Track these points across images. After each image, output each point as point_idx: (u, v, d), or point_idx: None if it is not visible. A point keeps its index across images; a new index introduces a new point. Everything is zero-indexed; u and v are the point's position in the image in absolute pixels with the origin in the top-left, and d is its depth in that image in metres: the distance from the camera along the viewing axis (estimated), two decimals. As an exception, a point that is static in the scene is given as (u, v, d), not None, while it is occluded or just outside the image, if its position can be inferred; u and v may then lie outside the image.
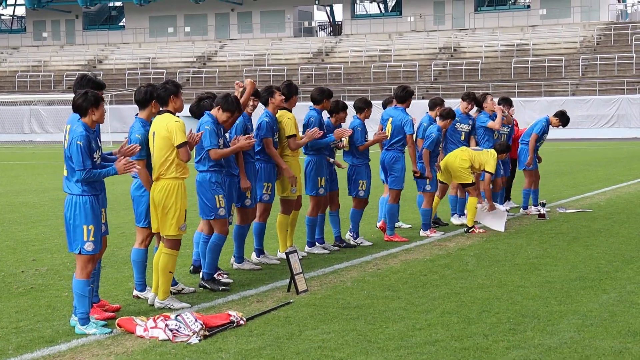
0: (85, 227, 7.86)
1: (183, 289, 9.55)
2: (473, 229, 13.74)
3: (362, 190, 12.66)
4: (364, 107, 12.71)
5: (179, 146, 8.62)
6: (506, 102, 16.31)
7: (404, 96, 13.25)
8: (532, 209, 16.00)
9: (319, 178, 11.83)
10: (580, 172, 25.49)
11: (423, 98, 51.21)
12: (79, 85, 8.40)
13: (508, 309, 8.51)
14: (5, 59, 75.99)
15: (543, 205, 15.38)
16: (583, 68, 58.41)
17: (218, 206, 9.57)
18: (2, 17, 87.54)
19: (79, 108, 7.91)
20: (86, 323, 7.90)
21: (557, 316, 8.21)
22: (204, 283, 9.68)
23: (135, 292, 9.33)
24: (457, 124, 14.83)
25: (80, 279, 7.92)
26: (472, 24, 68.52)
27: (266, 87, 11.30)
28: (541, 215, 15.19)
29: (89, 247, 7.89)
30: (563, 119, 16.29)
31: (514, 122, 16.71)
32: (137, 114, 9.22)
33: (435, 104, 14.28)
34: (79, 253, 7.91)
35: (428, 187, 13.64)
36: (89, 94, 7.90)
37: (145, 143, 8.84)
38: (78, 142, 7.80)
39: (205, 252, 9.86)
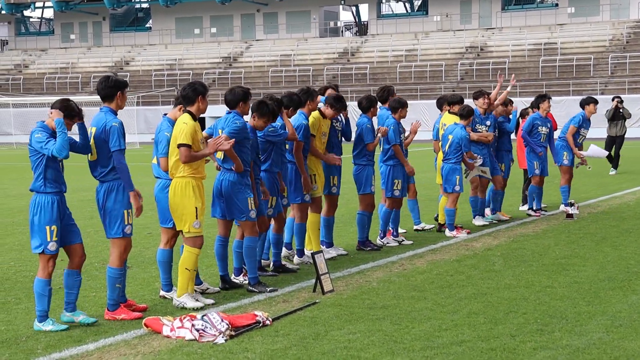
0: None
1: (207, 288, 9.57)
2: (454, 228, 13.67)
3: (397, 189, 12.63)
4: (398, 106, 12.70)
5: (178, 146, 8.68)
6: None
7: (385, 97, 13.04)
8: (562, 207, 15.86)
9: (332, 177, 11.77)
10: (609, 171, 25.27)
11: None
12: (107, 87, 8.45)
13: (535, 310, 8.45)
14: (34, 61, 76.63)
15: (571, 205, 15.25)
16: (612, 67, 57.97)
17: (250, 208, 9.57)
18: (31, 19, 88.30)
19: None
20: (44, 320, 8.04)
21: (586, 317, 8.14)
22: (251, 288, 9.65)
23: (162, 292, 9.37)
24: (476, 125, 14.68)
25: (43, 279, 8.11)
26: (499, 23, 68.19)
27: (306, 89, 11.40)
28: (569, 216, 15.08)
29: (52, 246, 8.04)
30: (591, 100, 16.26)
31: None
32: (165, 114, 9.30)
33: (442, 102, 14.44)
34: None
35: (457, 188, 13.59)
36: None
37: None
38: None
39: (220, 255, 9.84)
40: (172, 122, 9.14)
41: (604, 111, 26.32)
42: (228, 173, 9.54)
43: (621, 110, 25.13)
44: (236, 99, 9.65)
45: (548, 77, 58.67)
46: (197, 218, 8.77)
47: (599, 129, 36.13)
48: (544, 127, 15.59)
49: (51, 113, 8.04)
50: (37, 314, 8.09)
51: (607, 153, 16.30)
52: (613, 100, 25.82)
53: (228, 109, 9.71)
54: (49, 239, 7.99)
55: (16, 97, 64.72)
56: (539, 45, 62.34)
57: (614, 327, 7.74)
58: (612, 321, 7.96)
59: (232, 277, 10.02)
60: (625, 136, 25.82)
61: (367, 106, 12.25)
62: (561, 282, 9.75)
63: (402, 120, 12.81)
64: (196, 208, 8.76)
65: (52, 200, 8.01)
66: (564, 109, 52.39)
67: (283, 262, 10.90)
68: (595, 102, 16.33)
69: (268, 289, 9.57)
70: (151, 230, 14.33)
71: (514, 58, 61.72)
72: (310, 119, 11.23)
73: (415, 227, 14.20)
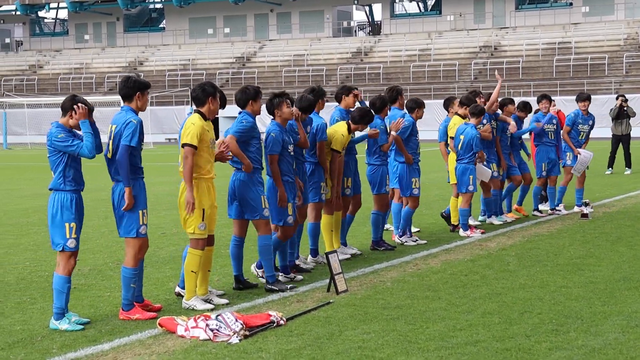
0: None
1: (211, 291, 9.53)
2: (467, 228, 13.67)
3: (416, 188, 12.67)
4: (414, 106, 12.72)
5: (182, 145, 8.70)
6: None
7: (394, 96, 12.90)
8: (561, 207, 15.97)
9: (345, 178, 11.76)
10: (624, 171, 25.17)
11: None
12: (126, 87, 8.46)
13: (550, 310, 8.42)
14: (48, 62, 76.95)
15: (586, 205, 15.20)
16: (627, 66, 57.71)
17: (263, 207, 9.58)
18: (45, 20, 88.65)
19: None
20: (60, 318, 8.06)
21: (601, 317, 8.11)
22: (269, 287, 9.62)
23: (177, 289, 9.39)
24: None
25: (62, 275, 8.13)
26: (513, 22, 68.01)
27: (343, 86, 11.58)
28: (584, 215, 15.02)
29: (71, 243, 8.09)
30: (584, 96, 16.18)
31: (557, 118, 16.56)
32: (189, 112, 9.37)
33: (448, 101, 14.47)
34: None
35: (470, 188, 13.57)
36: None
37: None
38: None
39: (235, 255, 9.83)
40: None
41: (609, 110, 26.30)
42: (239, 173, 9.55)
43: (625, 108, 25.08)
44: (246, 97, 9.65)
45: (562, 76, 58.46)
46: (203, 220, 8.76)
47: (603, 129, 36.05)
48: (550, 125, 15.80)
49: (75, 113, 8.07)
50: (54, 311, 8.12)
51: (590, 157, 16.11)
52: (617, 98, 25.77)
53: (239, 109, 9.72)
54: (68, 236, 8.04)
55: (31, 97, 64.98)
56: (553, 44, 62.12)
57: (629, 328, 7.70)
58: (628, 321, 7.92)
59: (281, 277, 10.04)
60: (632, 135, 25.80)
61: (380, 107, 12.22)
62: (576, 282, 9.72)
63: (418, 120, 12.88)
64: (203, 210, 8.75)
65: (71, 197, 8.08)
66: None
67: (297, 262, 10.89)
68: (588, 98, 16.26)
69: (288, 286, 9.57)
70: (165, 230, 14.35)
71: (527, 57, 61.53)
72: (339, 136, 11.16)
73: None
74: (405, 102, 12.95)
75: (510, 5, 68.78)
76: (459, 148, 13.67)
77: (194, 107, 9.09)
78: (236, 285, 9.77)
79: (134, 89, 8.44)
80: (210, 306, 8.81)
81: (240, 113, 9.68)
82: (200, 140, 8.70)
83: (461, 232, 13.54)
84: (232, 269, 9.89)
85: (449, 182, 14.46)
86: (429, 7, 75.62)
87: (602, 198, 18.19)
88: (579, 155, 16.02)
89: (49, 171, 8.22)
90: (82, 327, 8.07)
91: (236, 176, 9.58)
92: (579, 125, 16.17)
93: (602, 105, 46.62)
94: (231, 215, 9.73)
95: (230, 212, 9.72)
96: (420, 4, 77.06)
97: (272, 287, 9.58)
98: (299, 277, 10.19)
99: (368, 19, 77.94)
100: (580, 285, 9.54)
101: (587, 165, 16.28)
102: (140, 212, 8.35)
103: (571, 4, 67.72)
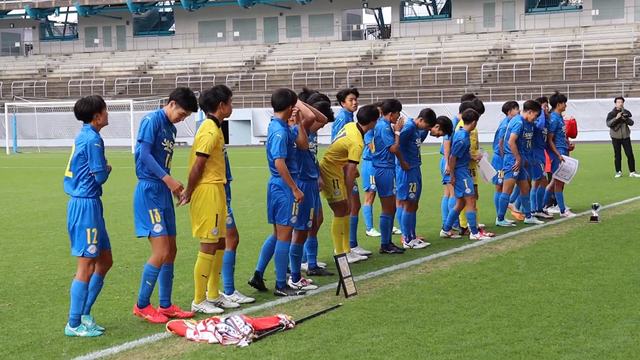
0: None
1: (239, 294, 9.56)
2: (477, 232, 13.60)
3: (412, 192, 12.64)
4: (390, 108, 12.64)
5: (197, 153, 8.71)
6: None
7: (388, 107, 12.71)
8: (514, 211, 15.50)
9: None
10: (628, 174, 25.09)
11: (473, 100, 50.79)
12: (184, 100, 8.51)
13: (560, 313, 8.41)
14: (58, 66, 77.21)
15: (595, 207, 15.14)
16: (637, 69, 57.61)
17: (293, 213, 9.60)
18: (55, 24, 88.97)
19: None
20: (76, 325, 8.03)
21: (610, 320, 8.09)
22: (279, 292, 9.63)
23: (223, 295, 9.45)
24: None
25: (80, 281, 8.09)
26: (523, 25, 67.96)
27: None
28: (593, 218, 14.98)
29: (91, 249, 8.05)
30: (532, 104, 15.03)
31: (565, 122, 16.45)
32: (201, 118, 9.38)
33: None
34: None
35: (468, 191, 13.45)
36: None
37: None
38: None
39: (265, 251, 9.87)
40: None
41: (607, 115, 26.27)
42: (275, 178, 9.61)
43: (624, 117, 25.03)
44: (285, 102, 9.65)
45: (572, 79, 58.38)
46: (216, 225, 8.78)
47: (601, 132, 35.92)
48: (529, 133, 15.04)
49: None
50: (70, 317, 8.06)
51: (575, 166, 15.60)
52: (615, 101, 25.73)
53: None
54: (89, 242, 8.01)
55: (40, 101, 65.22)
56: (563, 47, 62.06)
57: (639, 330, 7.68)
58: (637, 324, 7.90)
59: (290, 282, 9.98)
60: (633, 138, 25.78)
61: (387, 108, 12.31)
62: (585, 285, 9.70)
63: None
64: (217, 215, 8.77)
65: (92, 203, 8.06)
66: (588, 112, 52.19)
67: (318, 264, 10.96)
68: (516, 105, 15.35)
69: (297, 292, 9.59)
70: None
71: (537, 61, 61.46)
72: (358, 147, 11.10)
73: (367, 233, 14.06)
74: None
75: (520, 8, 68.72)
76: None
77: (204, 113, 9.11)
78: (253, 280, 9.82)
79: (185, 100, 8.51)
80: (219, 310, 8.82)
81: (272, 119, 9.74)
82: (214, 149, 8.72)
83: (471, 236, 13.52)
84: (243, 272, 9.91)
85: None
86: (439, 11, 75.64)
87: (612, 201, 18.15)
88: (562, 162, 15.76)
89: (59, 175, 8.23)
90: (100, 332, 8.03)
91: (272, 180, 9.63)
92: (525, 134, 14.94)
93: (612, 109, 46.42)
94: (269, 220, 9.78)
95: (269, 216, 9.78)
96: (430, 7, 77.10)
97: (281, 292, 9.60)
98: (311, 286, 10.08)
99: (378, 23, 78.00)
100: (589, 288, 9.52)
101: (572, 173, 15.86)
102: (150, 211, 8.36)
103: (581, 7, 67.68)
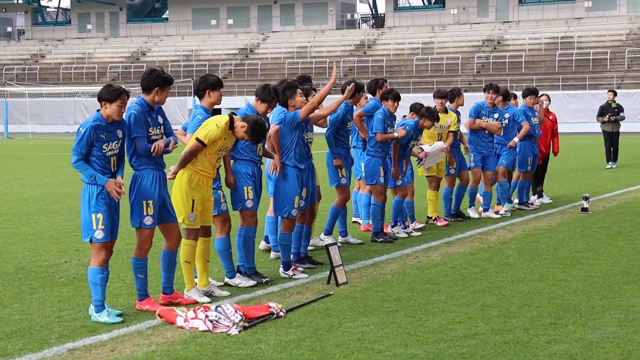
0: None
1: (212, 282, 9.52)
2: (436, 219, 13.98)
3: (381, 177, 12.51)
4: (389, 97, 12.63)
5: (196, 139, 8.67)
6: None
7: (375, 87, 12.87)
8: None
9: (339, 169, 11.77)
10: (624, 165, 25.18)
11: (466, 91, 50.81)
12: (148, 80, 8.38)
13: (549, 303, 8.43)
14: (50, 51, 76.90)
15: (586, 199, 15.18)
16: (629, 61, 57.67)
17: (246, 197, 9.61)
18: (48, 9, 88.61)
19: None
20: (101, 310, 8.03)
21: (599, 311, 8.12)
22: (236, 277, 9.61)
23: (226, 279, 9.51)
24: (482, 118, 14.60)
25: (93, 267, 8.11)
26: (516, 16, 67.92)
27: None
28: (584, 209, 15.03)
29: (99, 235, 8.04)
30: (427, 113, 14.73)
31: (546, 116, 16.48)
32: (195, 105, 9.45)
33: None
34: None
35: (399, 183, 12.76)
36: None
37: None
38: None
39: (274, 230, 10.16)
40: (207, 110, 9.21)
41: (599, 109, 26.43)
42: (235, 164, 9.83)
43: (611, 119, 25.24)
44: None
45: (564, 71, 58.42)
46: (192, 211, 8.75)
47: (592, 124, 35.98)
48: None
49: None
50: (92, 304, 8.07)
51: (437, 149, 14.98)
52: (608, 93, 25.99)
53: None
54: (95, 227, 8.00)
55: (32, 87, 64.97)
56: (556, 39, 62.07)
57: (627, 321, 7.72)
58: (626, 315, 7.93)
59: (281, 271, 10.02)
60: (622, 130, 25.98)
61: (373, 89, 12.70)
62: (575, 276, 9.73)
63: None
64: (193, 200, 8.72)
65: (98, 189, 8.03)
66: (580, 103, 52.28)
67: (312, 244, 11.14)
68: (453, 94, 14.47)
69: (264, 280, 9.62)
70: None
71: (530, 52, 61.48)
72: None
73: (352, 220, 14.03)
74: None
75: (514, -1, 68.70)
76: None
77: (197, 99, 9.12)
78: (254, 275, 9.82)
79: (154, 82, 8.37)
80: (207, 299, 8.80)
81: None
82: (213, 143, 8.68)
83: (471, 213, 14.52)
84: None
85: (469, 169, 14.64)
86: (433, 1, 75.50)
87: (602, 192, 18.20)
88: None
89: (50, 161, 8.21)
90: (120, 319, 8.00)
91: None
92: (484, 118, 14.71)
93: (604, 101, 46.53)
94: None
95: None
96: (423, -3, 76.96)
97: (233, 282, 9.55)
98: (302, 275, 10.06)
99: (372, 12, 77.85)
100: (579, 279, 9.55)
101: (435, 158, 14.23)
102: (144, 202, 8.30)
103: (574, -2, 67.64)
